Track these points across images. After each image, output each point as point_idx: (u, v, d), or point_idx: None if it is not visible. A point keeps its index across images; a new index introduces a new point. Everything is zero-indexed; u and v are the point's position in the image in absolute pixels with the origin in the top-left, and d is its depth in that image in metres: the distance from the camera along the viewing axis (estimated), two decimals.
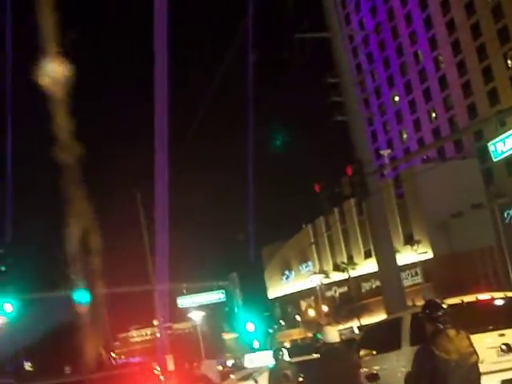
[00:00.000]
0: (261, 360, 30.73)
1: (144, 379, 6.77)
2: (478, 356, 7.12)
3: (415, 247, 70.13)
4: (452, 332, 7.00)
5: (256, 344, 26.30)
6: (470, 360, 7.00)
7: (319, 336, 10.84)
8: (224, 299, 35.48)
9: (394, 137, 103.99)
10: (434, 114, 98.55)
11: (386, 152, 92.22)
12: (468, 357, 6.98)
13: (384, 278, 26.69)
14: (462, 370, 6.90)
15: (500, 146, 21.28)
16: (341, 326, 61.79)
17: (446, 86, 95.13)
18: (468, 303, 14.09)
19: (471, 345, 7.07)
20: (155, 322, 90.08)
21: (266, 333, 68.14)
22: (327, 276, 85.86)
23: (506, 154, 21.70)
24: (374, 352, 14.82)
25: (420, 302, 56.31)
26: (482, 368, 12.31)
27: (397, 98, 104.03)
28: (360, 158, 25.53)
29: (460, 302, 13.95)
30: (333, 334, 10.47)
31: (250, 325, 25.94)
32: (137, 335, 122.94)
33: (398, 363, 14.34)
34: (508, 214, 79.45)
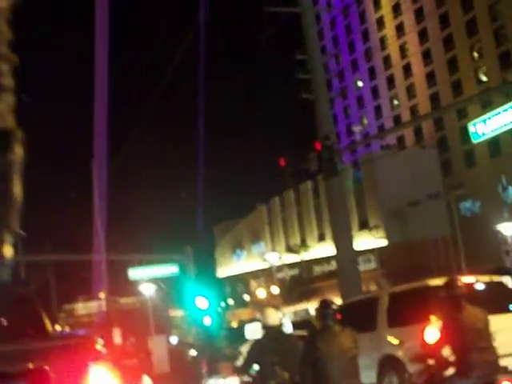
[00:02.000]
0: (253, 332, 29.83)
1: (87, 352, 6.52)
2: (357, 351, 8.05)
3: (373, 232, 69.79)
4: (337, 328, 8.02)
5: (207, 321, 25.54)
6: (350, 354, 7.93)
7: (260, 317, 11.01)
8: (177, 273, 34.31)
9: (355, 122, 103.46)
10: (396, 102, 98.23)
11: (357, 128, 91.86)
12: (348, 351, 7.91)
13: (340, 261, 26.31)
14: (342, 362, 7.80)
15: (481, 128, 20.39)
16: (291, 308, 61.07)
17: (411, 75, 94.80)
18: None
19: (354, 341, 8.04)
20: (102, 295, 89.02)
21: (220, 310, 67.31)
22: (279, 257, 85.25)
23: (487, 137, 20.80)
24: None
25: (374, 288, 56.10)
26: None
27: (360, 83, 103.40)
28: (328, 133, 25.01)
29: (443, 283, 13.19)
30: (273, 316, 10.41)
31: (202, 301, 25.17)
32: (83, 307, 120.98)
33: (371, 345, 13.45)
34: (464, 205, 79.84)
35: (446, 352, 8.33)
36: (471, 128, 21.24)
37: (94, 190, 45.62)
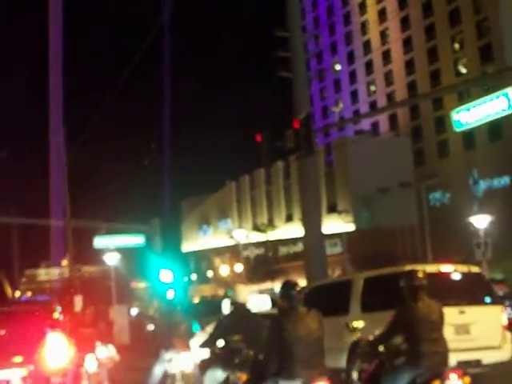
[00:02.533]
0: (261, 304, 29.63)
1: (44, 319, 6.63)
2: (323, 333, 8.04)
3: (342, 216, 69.58)
4: (303, 309, 7.98)
5: (170, 295, 25.12)
6: (316, 335, 7.90)
7: (230, 293, 10.93)
8: (143, 244, 33.70)
9: (330, 105, 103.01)
10: (373, 88, 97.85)
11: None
12: (314, 333, 7.88)
13: (308, 243, 25.85)
14: (308, 343, 7.78)
15: (465, 116, 19.92)
16: (255, 287, 60.70)
17: (390, 61, 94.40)
18: (429, 273, 12.91)
19: (319, 322, 8.01)
20: (64, 262, 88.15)
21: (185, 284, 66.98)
22: (246, 235, 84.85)
23: (470, 127, 20.37)
24: None
25: (339, 272, 55.94)
26: None
27: (338, 66, 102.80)
28: (307, 113, 24.56)
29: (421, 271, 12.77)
30: (244, 293, 10.55)
31: (167, 274, 24.73)
32: (45, 273, 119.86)
33: (344, 329, 12.99)
34: (434, 196, 79.97)
35: (399, 340, 8.52)
36: (454, 116, 20.78)
37: (50, 156, 44.90)
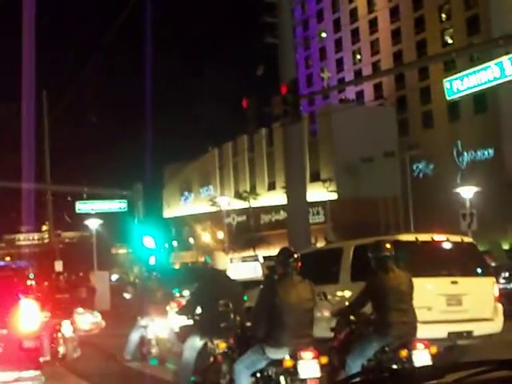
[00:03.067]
0: (245, 272, 29.51)
1: (18, 285, 6.68)
2: (315, 303, 8.03)
3: (327, 185, 69.26)
4: (297, 278, 7.87)
5: (152, 261, 24.83)
6: (307, 305, 7.82)
7: (209, 260, 10.88)
8: (125, 209, 33.20)
9: (315, 73, 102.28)
10: (358, 56, 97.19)
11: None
12: (305, 302, 7.80)
13: (291, 211, 25.56)
14: (298, 312, 7.66)
15: (457, 84, 19.56)
16: (236, 255, 60.41)
17: (376, 30, 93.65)
18: (422, 242, 12.66)
19: (311, 293, 7.93)
20: (44, 227, 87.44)
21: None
22: (228, 203, 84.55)
23: (462, 94, 20.00)
24: None
25: (322, 242, 55.75)
26: (429, 316, 10.89)
27: (323, 34, 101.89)
28: (294, 78, 24.26)
29: (414, 239, 12.50)
30: (223, 260, 10.54)
31: (149, 240, 24.36)
32: (24, 238, 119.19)
33: (333, 298, 12.66)
34: (417, 166, 79.88)
35: (368, 310, 8.67)
36: (446, 84, 20.36)
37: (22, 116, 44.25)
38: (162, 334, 14.94)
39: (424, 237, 12.87)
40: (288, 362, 7.57)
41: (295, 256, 7.96)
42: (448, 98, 20.92)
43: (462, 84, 19.92)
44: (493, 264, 21.86)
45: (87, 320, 20.30)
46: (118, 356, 15.27)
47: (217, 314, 9.51)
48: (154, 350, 14.95)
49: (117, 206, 33.78)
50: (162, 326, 14.94)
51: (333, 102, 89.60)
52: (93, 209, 34.80)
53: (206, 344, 9.93)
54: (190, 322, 10.41)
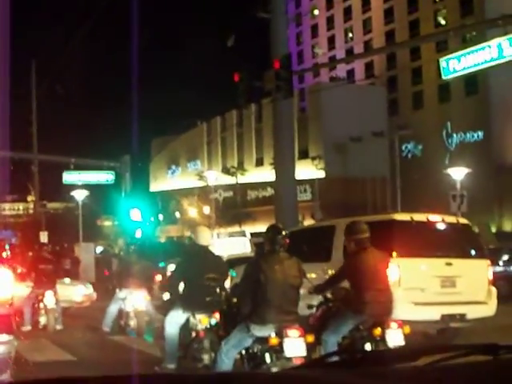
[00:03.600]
0: (233, 248, 29.45)
1: None
2: (301, 281, 7.99)
3: (316, 162, 68.94)
4: (284, 255, 7.87)
5: (138, 234, 24.67)
6: (293, 282, 7.79)
7: (192, 235, 11.13)
8: (112, 181, 32.84)
9: (305, 50, 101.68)
10: (350, 35, 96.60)
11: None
12: (291, 279, 7.77)
13: (279, 188, 25.43)
14: (283, 289, 7.64)
15: (453, 64, 19.33)
16: (222, 230, 60.16)
17: (369, 9, 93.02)
18: (417, 222, 12.44)
19: (299, 270, 7.92)
20: (30, 198, 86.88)
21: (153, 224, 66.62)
22: (205, 180, 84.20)
23: (458, 74, 19.78)
24: None
25: (309, 220, 55.58)
26: (423, 298, 10.84)
27: (316, 11, 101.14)
28: (288, 53, 24.25)
29: (409, 219, 12.27)
30: (206, 236, 10.57)
31: (136, 213, 24.14)
32: (9, 208, 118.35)
33: (324, 276, 12.42)
34: (406, 147, 79.74)
35: (344, 288, 8.86)
36: (443, 63, 20.13)
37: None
38: (140, 306, 14.92)
39: (419, 217, 12.66)
40: (274, 340, 7.53)
41: (283, 233, 7.98)
42: (444, 78, 20.68)
43: (458, 63, 19.68)
44: (491, 247, 21.68)
45: (80, 292, 20.17)
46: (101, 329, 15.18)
47: (200, 289, 9.66)
48: (132, 323, 14.95)
49: (104, 177, 33.42)
50: (140, 298, 14.90)
51: (323, 79, 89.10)
52: (80, 180, 34.41)
53: (188, 319, 9.99)
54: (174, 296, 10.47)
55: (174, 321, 10.08)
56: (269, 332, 7.62)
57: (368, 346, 8.22)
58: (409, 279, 11.84)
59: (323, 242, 13.35)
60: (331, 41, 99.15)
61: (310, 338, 7.75)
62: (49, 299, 15.94)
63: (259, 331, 7.69)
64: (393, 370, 2.33)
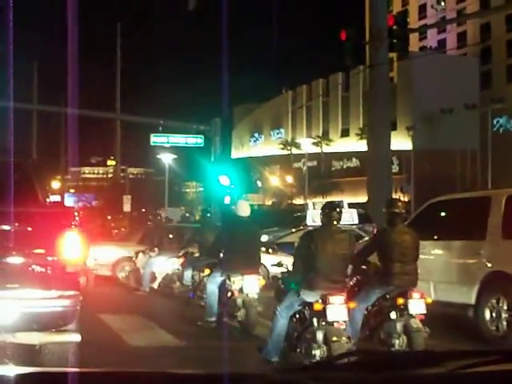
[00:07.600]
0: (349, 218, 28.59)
1: (65, 220, 7.74)
2: (350, 254, 8.51)
3: (411, 133, 66.83)
4: (337, 228, 8.46)
5: (227, 200, 23.90)
6: (342, 255, 8.33)
7: (233, 207, 12.38)
8: (201, 144, 31.91)
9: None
10: (442, 3, 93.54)
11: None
12: (340, 250, 8.32)
13: (373, 159, 24.45)
14: (331, 260, 8.21)
15: None
16: (317, 200, 59.03)
17: None
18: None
19: (350, 245, 8.49)
20: (111, 162, 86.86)
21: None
22: (298, 147, 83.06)
23: None
24: None
25: (397, 193, 54.08)
26: None
27: None
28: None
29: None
30: (245, 208, 11.85)
31: (225, 179, 23.38)
32: (89, 171, 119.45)
33: (478, 257, 10.93)
34: (498, 121, 77.01)
35: (375, 260, 9.28)
36: None
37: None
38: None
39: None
40: (318, 305, 8.06)
41: (338, 209, 8.56)
42: None
43: None
44: None
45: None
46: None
47: (236, 254, 11.18)
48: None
49: (193, 140, 32.50)
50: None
51: (413, 49, 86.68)
52: (168, 141, 33.57)
53: (224, 280, 11.48)
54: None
55: (214, 281, 11.79)
56: (316, 298, 8.13)
57: (393, 315, 8.66)
58: None
59: (474, 216, 11.60)
60: (423, 8, 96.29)
61: (353, 305, 8.40)
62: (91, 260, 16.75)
63: (307, 296, 8.27)
64: (415, 376, 2.21)
